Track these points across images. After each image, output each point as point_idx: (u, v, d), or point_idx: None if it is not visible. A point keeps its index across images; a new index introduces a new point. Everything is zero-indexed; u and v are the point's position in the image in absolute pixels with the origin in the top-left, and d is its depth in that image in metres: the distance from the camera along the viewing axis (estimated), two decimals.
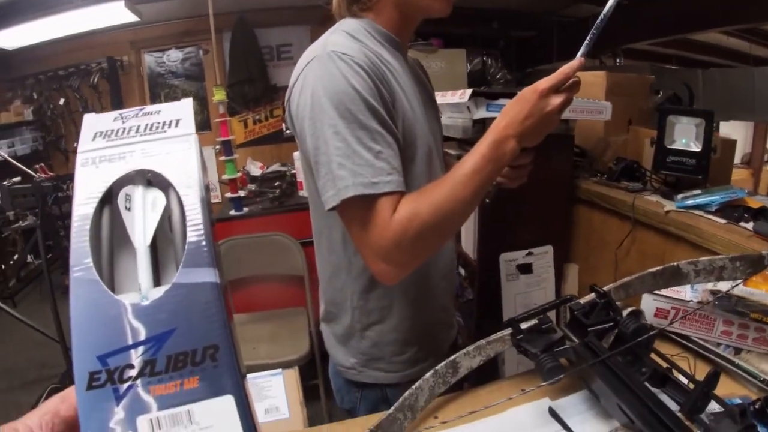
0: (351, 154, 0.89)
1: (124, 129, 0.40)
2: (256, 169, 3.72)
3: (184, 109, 0.42)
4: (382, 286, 1.10)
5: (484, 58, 5.35)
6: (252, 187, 3.34)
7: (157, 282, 0.36)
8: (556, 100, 0.90)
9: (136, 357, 0.33)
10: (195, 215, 0.36)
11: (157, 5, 4.13)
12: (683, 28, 4.84)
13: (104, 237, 0.36)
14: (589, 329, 0.85)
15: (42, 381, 3.14)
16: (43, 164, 3.65)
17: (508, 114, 0.93)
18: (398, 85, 1.00)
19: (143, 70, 5.02)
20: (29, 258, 4.65)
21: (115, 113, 0.42)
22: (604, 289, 0.92)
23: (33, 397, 2.81)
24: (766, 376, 0.99)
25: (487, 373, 1.10)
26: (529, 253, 1.69)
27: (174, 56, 5.04)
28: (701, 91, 5.26)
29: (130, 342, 0.33)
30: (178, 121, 0.41)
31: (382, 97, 0.93)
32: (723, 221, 1.46)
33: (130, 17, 3.85)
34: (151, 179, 0.38)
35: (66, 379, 2.81)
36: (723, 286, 1.04)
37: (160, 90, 5.11)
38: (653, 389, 0.79)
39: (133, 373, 0.32)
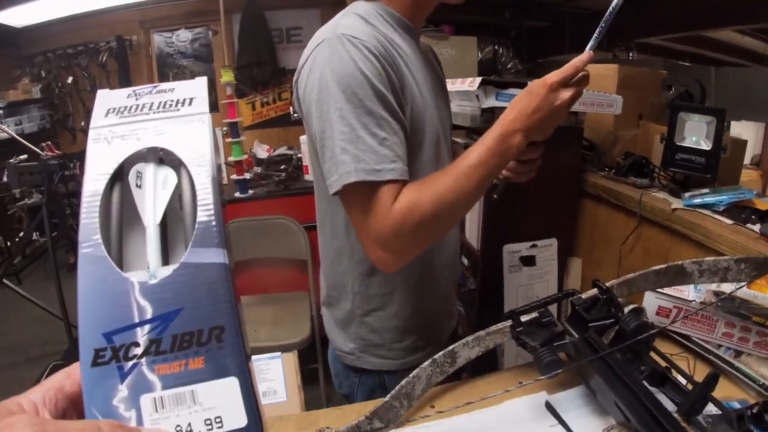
0: (355, 139, 0.88)
1: (138, 106, 0.40)
2: (262, 151, 3.71)
3: (198, 87, 0.41)
4: (383, 273, 1.10)
5: (496, 47, 5.31)
6: (258, 169, 3.33)
7: (165, 261, 0.35)
8: (566, 94, 0.90)
9: (142, 335, 0.32)
10: (206, 195, 0.35)
11: None
12: (697, 24, 4.82)
13: (114, 214, 0.36)
14: (589, 325, 0.85)
15: (45, 357, 3.18)
16: (50, 142, 3.66)
17: (517, 107, 0.92)
18: (408, 71, 0.99)
19: (152, 50, 5.01)
20: (34, 236, 4.67)
21: (129, 90, 0.41)
22: (607, 285, 0.92)
23: (36, 373, 2.84)
24: (766, 381, 0.98)
25: (486, 364, 1.10)
26: (533, 245, 1.68)
27: (183, 36, 5.03)
28: (713, 88, 5.21)
29: (137, 320, 0.33)
30: (191, 100, 0.40)
31: (391, 83, 0.92)
32: (730, 222, 1.45)
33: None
34: (163, 157, 0.38)
35: (69, 356, 2.84)
36: (726, 287, 1.03)
37: (169, 70, 5.10)
38: (651, 388, 0.79)
39: (138, 351, 0.32)
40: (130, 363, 0.32)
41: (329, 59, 0.90)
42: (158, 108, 0.39)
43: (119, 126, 0.38)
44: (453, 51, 3.72)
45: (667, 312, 1.12)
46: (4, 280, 3.40)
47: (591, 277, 1.85)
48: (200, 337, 0.33)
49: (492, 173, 0.93)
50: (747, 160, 3.55)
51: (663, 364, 0.85)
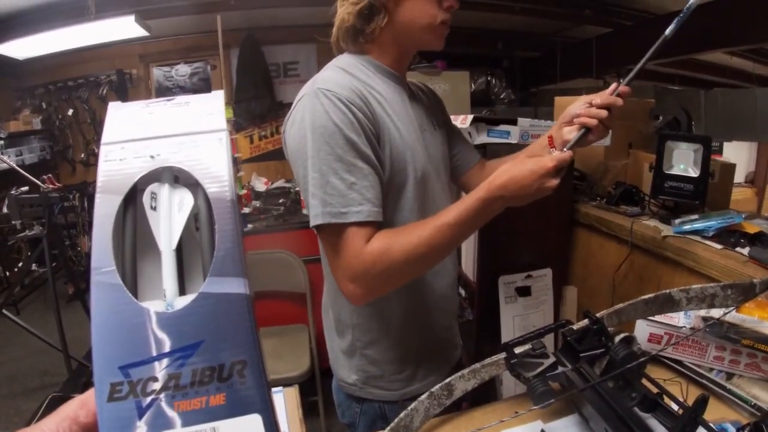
0: (324, 184, 0.96)
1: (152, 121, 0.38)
2: (260, 184, 3.75)
3: (215, 102, 0.40)
4: (380, 307, 1.15)
5: (489, 78, 5.41)
6: (257, 203, 3.37)
7: (182, 289, 0.34)
8: (554, 181, 0.97)
9: (160, 369, 0.31)
10: (225, 219, 0.34)
11: (166, 20, 4.20)
12: (686, 49, 4.88)
13: (128, 239, 0.34)
14: (581, 355, 0.87)
15: (43, 389, 3.16)
16: (51, 175, 3.69)
17: (508, 173, 0.97)
18: (388, 116, 1.06)
19: (151, 83, 5.07)
20: (34, 266, 4.68)
21: (143, 102, 0.39)
22: (597, 315, 0.94)
23: (34, 404, 2.81)
24: (757, 401, 1.00)
25: (485, 394, 1.12)
26: (528, 276, 1.70)
27: (182, 71, 5.09)
28: (703, 111, 5.29)
29: (154, 353, 0.31)
30: (209, 115, 0.38)
31: (363, 130, 0.99)
32: (719, 247, 1.48)
33: (140, 32, 3.92)
34: (179, 177, 0.36)
35: (68, 388, 2.83)
36: (716, 312, 1.06)
37: None
38: (643, 414, 0.81)
39: (157, 386, 0.31)
40: (149, 399, 0.31)
41: (307, 112, 0.99)
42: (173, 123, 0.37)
43: (132, 143, 0.36)
44: (446, 85, 3.81)
45: (658, 338, 1.14)
46: (3, 311, 3.39)
47: (587, 305, 1.87)
48: (222, 371, 0.31)
49: (467, 233, 1.02)
50: (741, 179, 3.60)
51: (655, 390, 0.87)
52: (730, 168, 2.08)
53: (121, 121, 0.38)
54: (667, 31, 1.02)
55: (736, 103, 5.23)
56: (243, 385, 0.32)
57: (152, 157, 0.35)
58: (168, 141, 0.36)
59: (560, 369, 0.88)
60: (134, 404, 0.31)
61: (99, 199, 0.34)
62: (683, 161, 1.66)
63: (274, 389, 1.20)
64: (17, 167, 3.24)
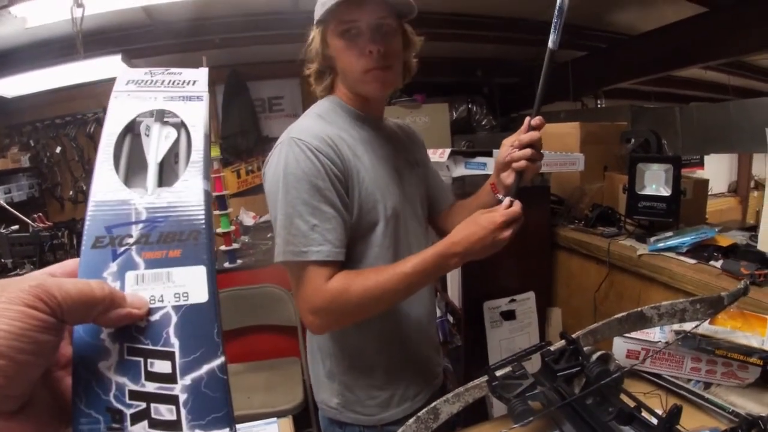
0: (289, 225, 1.07)
1: (152, 81, 0.51)
2: (249, 218, 3.79)
3: (200, 74, 0.53)
4: (355, 336, 1.23)
5: (470, 105, 5.50)
6: (245, 239, 3.40)
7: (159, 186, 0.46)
8: (507, 233, 1.04)
9: (136, 231, 0.42)
10: (198, 144, 0.47)
11: (151, 59, 4.26)
12: (661, 67, 5.01)
13: (124, 153, 0.47)
14: (558, 374, 0.91)
15: None
16: (41, 213, 3.70)
17: (462, 232, 1.07)
18: (359, 159, 1.14)
19: None
20: None
21: (146, 69, 0.52)
22: (573, 336, 0.99)
23: None
24: (735, 408, 1.05)
25: (478, 413, 1.16)
26: (512, 300, 1.74)
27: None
28: (680, 127, 5.40)
29: (133, 220, 0.42)
30: (194, 82, 0.52)
31: (329, 177, 1.08)
32: (693, 261, 1.53)
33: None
34: (168, 120, 0.49)
35: None
36: (690, 325, 1.11)
37: None
38: (622, 427, 0.85)
39: (131, 241, 0.41)
40: (123, 248, 0.41)
41: (281, 159, 1.09)
42: (168, 84, 0.51)
43: (136, 92, 0.49)
44: (426, 118, 3.91)
45: (636, 354, 1.19)
46: None
47: (571, 324, 1.91)
48: (181, 236, 0.42)
49: (423, 282, 1.11)
50: (724, 188, 3.69)
51: (632, 404, 0.91)
52: (703, 184, 2.16)
53: (129, 78, 0.51)
54: (550, 44, 1.06)
55: (711, 117, 5.33)
56: (195, 246, 0.42)
57: (150, 102, 0.49)
58: (163, 94, 0.50)
59: (539, 389, 0.92)
60: (110, 252, 0.41)
61: (107, 123, 0.47)
62: (655, 181, 1.73)
63: (268, 420, 1.25)
64: (7, 206, 3.26)
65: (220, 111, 5.01)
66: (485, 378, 0.96)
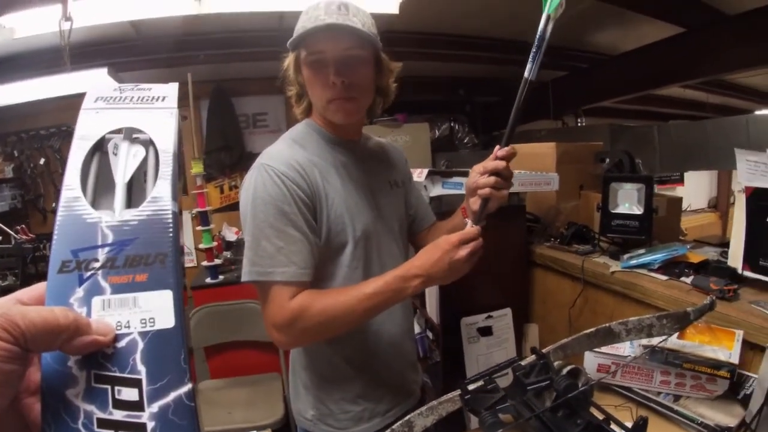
0: (256, 246, 1.12)
1: (121, 97, 0.51)
2: (231, 234, 3.79)
3: (170, 89, 0.53)
4: (327, 351, 1.28)
5: (452, 124, 5.58)
6: (227, 254, 3.40)
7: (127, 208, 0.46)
8: (464, 251, 1.08)
9: (102, 254, 0.42)
10: (167, 162, 0.47)
11: (137, 73, 4.27)
12: (641, 87, 5.11)
13: (92, 173, 0.47)
14: (528, 388, 0.94)
15: None
16: (24, 225, 3.68)
17: (422, 256, 1.12)
18: (329, 183, 1.20)
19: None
20: None
21: (115, 85, 0.52)
22: (543, 351, 1.02)
23: None
24: (703, 419, 1.08)
25: (457, 424, 1.19)
26: (489, 316, 1.77)
27: None
28: (658, 145, 5.51)
29: (100, 243, 0.42)
30: (164, 98, 0.52)
31: (295, 202, 1.14)
32: (664, 278, 1.58)
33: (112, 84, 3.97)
34: (137, 138, 0.49)
35: None
36: (671, 341, 1.15)
37: None
38: None
39: (97, 265, 0.41)
40: (89, 273, 0.41)
41: (252, 184, 1.15)
42: (137, 100, 0.51)
43: (105, 110, 0.50)
44: (407, 137, 3.98)
45: (606, 368, 1.22)
46: None
47: (548, 340, 1.94)
48: (147, 259, 0.42)
49: (384, 305, 1.14)
50: (705, 204, 3.77)
51: (601, 416, 0.94)
52: (677, 201, 2.22)
53: (97, 95, 0.51)
54: (526, 74, 1.10)
55: (689, 136, 5.45)
56: (162, 269, 0.42)
57: (118, 120, 0.49)
58: (132, 111, 0.50)
59: (509, 402, 0.95)
60: (77, 276, 0.41)
61: (74, 143, 0.48)
62: (627, 200, 1.78)
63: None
64: None
65: (204, 126, 5.02)
66: (458, 392, 0.98)
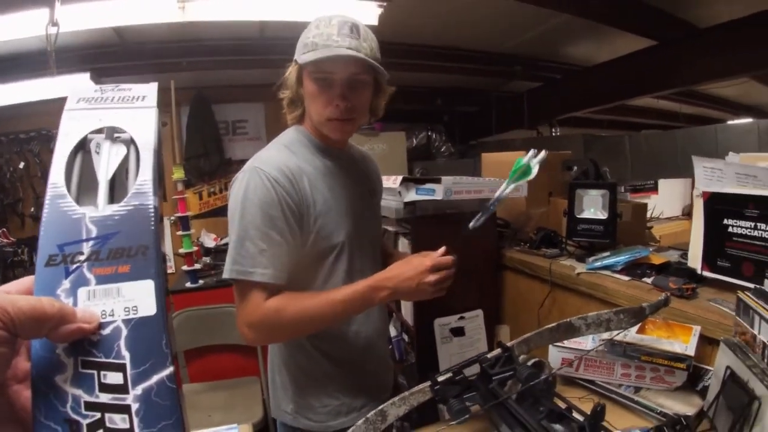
0: (240, 246, 1.17)
1: (102, 98, 0.53)
2: (210, 240, 3.81)
3: (150, 89, 0.55)
4: (306, 351, 1.35)
5: (429, 133, 5.66)
6: (207, 259, 3.43)
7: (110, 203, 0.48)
8: (432, 277, 1.19)
9: (87, 248, 0.44)
10: (147, 158, 0.49)
11: (120, 78, 4.26)
12: (614, 97, 5.20)
13: (76, 171, 0.49)
14: (493, 378, 1.01)
15: None
16: (5, 229, 3.63)
17: (395, 269, 1.21)
18: (317, 190, 1.25)
19: None
20: None
21: (96, 86, 0.54)
22: (508, 344, 1.09)
23: None
24: (663, 409, 1.15)
25: (430, 415, 1.26)
26: (461, 318, 1.82)
27: None
28: (629, 154, 5.65)
29: (84, 237, 0.44)
30: (144, 97, 0.53)
31: (281, 207, 1.19)
32: (627, 278, 1.65)
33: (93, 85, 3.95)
34: (118, 137, 0.51)
35: None
36: (631, 336, 1.22)
37: None
38: (554, 425, 0.94)
39: (82, 258, 0.43)
40: (75, 265, 0.43)
41: (241, 185, 1.20)
42: (118, 100, 0.53)
43: (86, 110, 0.51)
44: (384, 145, 4.05)
45: (569, 361, 1.29)
46: None
47: None
48: (130, 251, 0.44)
49: (353, 311, 1.23)
50: (679, 212, 3.89)
51: (564, 405, 1.01)
52: (641, 207, 2.31)
53: (79, 96, 0.53)
54: (471, 224, 1.26)
55: (660, 145, 5.59)
56: (144, 260, 0.44)
57: (100, 119, 0.51)
58: (113, 111, 0.52)
59: (476, 391, 1.01)
60: (63, 269, 0.43)
61: (59, 143, 0.50)
62: (593, 206, 1.86)
63: (229, 426, 1.32)
64: None
65: (184, 132, 5.01)
66: (428, 383, 1.04)
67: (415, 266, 1.19)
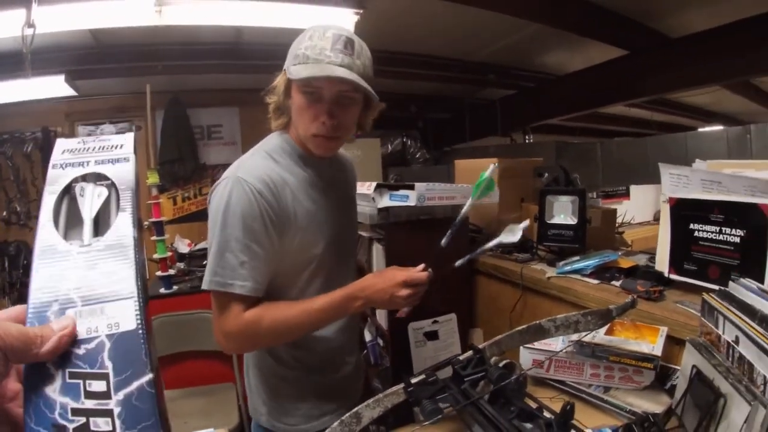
0: (220, 257, 1.17)
1: (85, 148, 0.60)
2: (184, 246, 3.78)
3: (126, 139, 0.62)
4: (277, 356, 1.36)
5: (404, 139, 5.70)
6: (181, 265, 3.40)
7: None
8: (404, 291, 1.23)
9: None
10: (127, 202, 0.55)
11: (95, 81, 4.22)
12: (587, 105, 5.32)
13: (63, 211, 0.55)
14: (465, 379, 1.04)
15: None
16: None
17: (370, 280, 1.25)
18: (298, 201, 1.26)
19: None
20: None
21: (79, 138, 0.61)
22: (479, 346, 1.11)
23: None
24: (632, 408, 1.19)
25: (405, 417, 1.28)
26: (435, 321, 1.85)
27: (107, 130, 5.03)
28: (600, 161, 5.76)
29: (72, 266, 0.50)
30: (121, 146, 0.61)
31: (263, 220, 1.19)
32: (596, 282, 1.69)
33: (68, 91, 3.94)
34: (100, 181, 0.57)
35: None
36: (589, 336, 1.26)
37: None
38: (525, 424, 0.97)
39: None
40: (64, 294, 0.48)
41: (223, 195, 1.18)
42: (99, 150, 0.60)
43: (71, 159, 0.59)
44: (359, 152, 4.09)
45: (540, 362, 1.33)
46: None
47: None
48: (112, 276, 0.50)
49: (328, 320, 1.26)
50: (650, 217, 3.97)
51: (534, 405, 1.03)
52: (611, 213, 2.37)
53: (64, 147, 0.61)
54: (443, 242, 1.32)
55: (630, 152, 5.71)
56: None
57: (84, 167, 0.58)
58: (95, 158, 0.59)
59: (448, 392, 1.04)
60: (54, 297, 0.48)
61: (47, 190, 0.56)
62: (563, 211, 1.90)
63: (206, 430, 1.32)
64: None
65: (159, 137, 4.99)
66: (402, 385, 1.07)
67: (389, 279, 1.23)
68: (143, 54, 3.98)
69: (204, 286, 1.18)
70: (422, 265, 1.27)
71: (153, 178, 3.02)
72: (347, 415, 1.03)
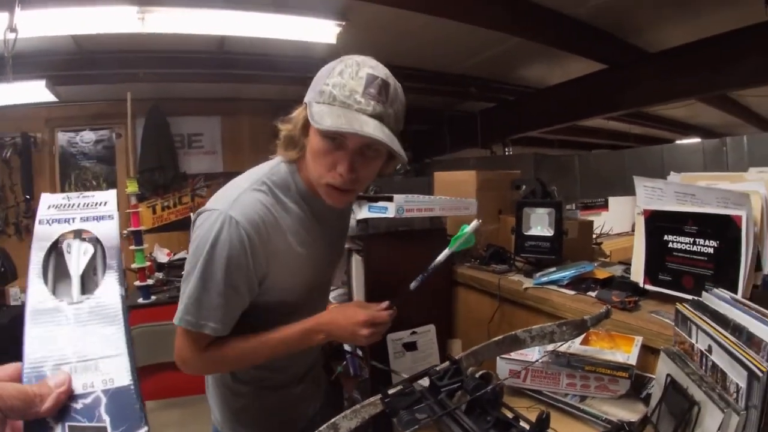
0: (197, 294, 1.13)
1: (69, 204, 0.62)
2: (163, 255, 3.76)
3: (110, 195, 0.64)
4: (238, 375, 1.38)
5: None
6: (160, 275, 3.38)
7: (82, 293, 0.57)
8: (365, 331, 1.23)
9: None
10: (112, 255, 0.59)
11: (77, 87, 4.19)
12: (566, 118, 5.40)
13: (51, 267, 0.58)
14: (441, 390, 1.05)
15: None
16: None
17: (330, 315, 1.27)
18: (289, 246, 1.22)
19: (55, 148, 4.98)
20: None
21: (64, 195, 0.63)
22: (456, 357, 1.13)
23: None
24: (608, 416, 1.20)
25: (385, 429, 1.29)
26: (413, 332, 1.86)
27: (87, 137, 5.02)
28: (578, 173, 5.84)
29: (64, 323, 0.53)
30: (105, 202, 0.63)
31: (247, 264, 1.15)
32: (572, 293, 1.70)
33: (49, 97, 3.91)
34: (85, 237, 0.60)
35: None
36: (565, 346, 1.28)
37: (71, 171, 5.06)
38: None
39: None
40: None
41: (213, 228, 1.12)
42: (83, 206, 0.62)
43: (56, 215, 0.61)
44: None
45: (516, 373, 1.34)
46: None
47: None
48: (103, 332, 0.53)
49: (289, 351, 1.26)
50: (629, 227, 4.02)
51: (511, 415, 1.04)
52: (588, 224, 2.41)
53: (49, 203, 0.62)
54: (412, 285, 1.36)
55: (608, 164, 5.80)
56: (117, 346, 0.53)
57: (69, 224, 0.60)
58: (79, 215, 0.61)
59: (425, 403, 1.05)
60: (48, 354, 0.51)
61: (34, 247, 0.58)
62: (539, 223, 1.93)
63: None
64: None
65: (139, 145, 4.97)
66: (379, 396, 1.07)
67: (350, 317, 1.23)
68: (125, 61, 3.97)
69: (176, 321, 1.15)
70: (386, 303, 1.28)
71: (132, 187, 3.01)
72: (324, 426, 1.03)
